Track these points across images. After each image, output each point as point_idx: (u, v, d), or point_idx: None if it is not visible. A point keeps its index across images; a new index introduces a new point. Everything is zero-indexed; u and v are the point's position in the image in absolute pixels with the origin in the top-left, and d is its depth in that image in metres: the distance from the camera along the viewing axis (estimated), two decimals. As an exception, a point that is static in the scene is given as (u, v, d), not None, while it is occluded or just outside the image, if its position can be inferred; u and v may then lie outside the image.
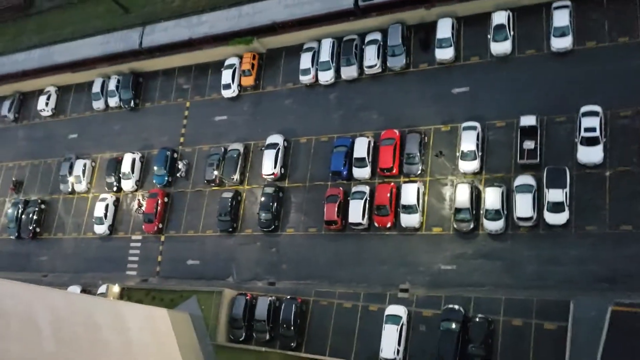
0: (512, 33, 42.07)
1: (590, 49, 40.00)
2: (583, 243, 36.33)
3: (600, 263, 35.56)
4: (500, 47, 41.96)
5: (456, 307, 37.51)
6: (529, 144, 38.62)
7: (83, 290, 49.44)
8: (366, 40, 46.61)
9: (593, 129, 36.81)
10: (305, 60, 48.16)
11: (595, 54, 39.73)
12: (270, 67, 51.39)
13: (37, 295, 32.42)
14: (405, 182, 41.85)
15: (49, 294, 34.41)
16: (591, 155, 36.88)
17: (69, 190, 55.63)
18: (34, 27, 66.69)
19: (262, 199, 45.73)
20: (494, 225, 38.24)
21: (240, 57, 51.79)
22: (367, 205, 41.99)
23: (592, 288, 35.11)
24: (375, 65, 45.66)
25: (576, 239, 36.55)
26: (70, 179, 55.38)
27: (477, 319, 36.56)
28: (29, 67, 61.55)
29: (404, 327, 38.27)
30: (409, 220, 40.67)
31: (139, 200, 52.28)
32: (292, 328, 41.13)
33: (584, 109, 37.69)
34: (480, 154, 40.26)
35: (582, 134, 37.00)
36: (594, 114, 37.30)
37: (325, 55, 47.49)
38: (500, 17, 42.22)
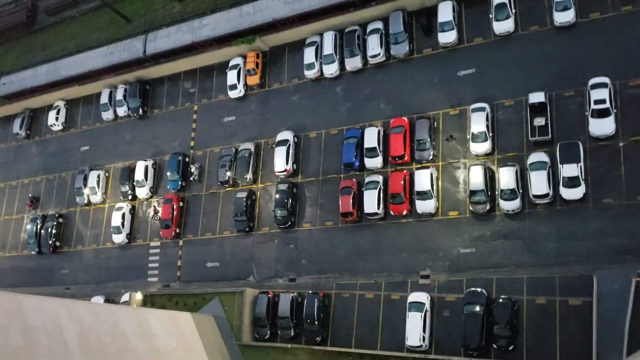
0: (513, 11, 41.72)
1: (594, 20, 39.60)
2: (602, 216, 36.11)
3: (620, 235, 35.33)
4: (503, 26, 41.65)
5: (478, 289, 37.45)
6: (539, 121, 38.38)
7: (106, 300, 50.00)
8: (368, 30, 46.46)
9: (603, 101, 36.50)
10: (309, 55, 48.15)
11: (599, 25, 39.34)
12: (274, 65, 51.47)
13: (62, 309, 32.71)
14: (417, 168, 41.79)
15: (74, 306, 34.69)
16: (603, 127, 36.59)
17: (85, 202, 56.20)
18: (39, 43, 67.43)
19: (277, 196, 45.89)
20: (511, 205, 38.10)
21: (244, 57, 51.89)
22: (381, 195, 42.01)
23: (615, 260, 34.91)
24: (379, 54, 45.55)
25: (594, 213, 36.33)
26: (86, 191, 55.96)
27: (501, 300, 36.48)
28: (37, 84, 62.23)
29: (428, 314, 38.29)
30: (424, 206, 40.63)
31: (154, 206, 52.68)
32: (316, 323, 41.32)
33: (592, 81, 37.39)
34: (491, 134, 40.07)
35: (593, 106, 36.72)
36: (602, 85, 36.99)
37: (328, 48, 47.47)
38: (501, -4, 41.90)
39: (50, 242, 56.16)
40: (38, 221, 57.55)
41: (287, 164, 46.35)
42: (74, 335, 31.88)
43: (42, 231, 56.79)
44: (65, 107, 61.97)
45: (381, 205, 41.91)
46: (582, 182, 36.34)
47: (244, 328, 43.37)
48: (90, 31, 63.09)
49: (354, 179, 43.84)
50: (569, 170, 36.45)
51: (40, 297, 32.61)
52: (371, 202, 41.82)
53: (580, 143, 36.95)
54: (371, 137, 43.36)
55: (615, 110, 36.68)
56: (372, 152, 43.28)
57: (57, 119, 61.17)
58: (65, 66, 60.66)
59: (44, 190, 60.29)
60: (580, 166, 36.43)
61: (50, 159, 61.32)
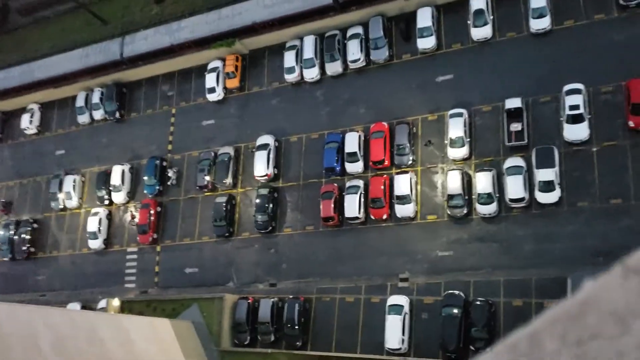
0: (491, 17, 42.40)
1: (568, 27, 40.49)
2: (576, 219, 36.90)
3: (594, 238, 36.13)
4: (481, 32, 42.27)
5: (456, 292, 37.87)
6: (515, 126, 39.05)
7: (83, 307, 49.11)
8: (348, 35, 46.68)
9: (577, 107, 37.31)
10: (289, 59, 48.15)
11: (573, 32, 40.23)
12: (254, 68, 51.32)
13: (37, 316, 32.15)
14: (397, 173, 42.11)
15: (49, 312, 34.21)
16: (577, 132, 37.39)
17: (60, 207, 55.10)
18: (11, 44, 65.87)
19: (257, 200, 45.72)
20: (487, 209, 38.65)
21: (223, 60, 51.56)
22: (362, 199, 42.24)
23: (589, 262, 35.61)
24: (359, 59, 45.80)
25: (569, 216, 37.10)
26: (61, 196, 54.88)
27: (478, 302, 36.93)
28: (10, 86, 60.86)
29: (407, 316, 38.58)
30: (403, 210, 40.98)
31: (131, 212, 52.02)
32: (296, 327, 41.28)
33: (567, 87, 38.12)
34: (468, 139, 40.60)
35: (567, 112, 37.48)
36: (577, 91, 37.78)
37: (308, 52, 47.54)
38: (478, 3, 42.38)
39: (25, 248, 54.93)
40: (11, 227, 56.25)
41: (267, 168, 46.21)
42: (49, 343, 31.31)
43: (16, 237, 55.53)
44: (40, 110, 60.70)
45: (362, 210, 42.15)
46: (557, 187, 37.05)
47: (224, 334, 43.08)
48: (65, 33, 61.97)
49: (335, 184, 43.96)
50: (544, 174, 37.15)
51: (13, 304, 32.08)
52: (352, 206, 42.01)
53: (555, 148, 37.69)
54: (352, 142, 43.56)
55: (589, 116, 37.55)
56: (352, 156, 43.48)
57: (31, 122, 59.89)
58: (39, 68, 59.47)
59: (17, 195, 59.01)
60: (556, 171, 37.14)
61: (25, 162, 60.04)
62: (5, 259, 56.36)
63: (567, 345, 1.38)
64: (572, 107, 37.39)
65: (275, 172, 46.86)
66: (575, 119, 37.35)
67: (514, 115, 39.10)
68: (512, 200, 37.94)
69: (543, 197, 37.31)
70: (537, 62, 40.63)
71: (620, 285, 1.43)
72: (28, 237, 55.23)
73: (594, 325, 1.39)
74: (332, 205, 42.64)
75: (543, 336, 1.38)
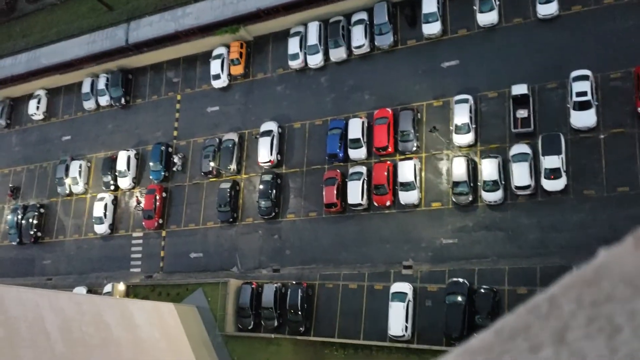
0: (497, 2, 41.81)
1: (576, 12, 39.85)
2: (582, 207, 36.56)
3: (600, 226, 35.77)
4: (487, 18, 41.74)
5: (460, 280, 37.74)
6: (522, 113, 38.62)
7: (89, 291, 49.63)
8: (352, 21, 46.27)
9: (584, 93, 36.81)
10: (293, 45, 47.88)
11: (581, 17, 39.60)
12: (258, 55, 51.12)
13: (44, 299, 32.60)
14: (401, 159, 41.89)
15: (56, 296, 34.57)
16: (584, 119, 36.93)
17: (67, 192, 55.48)
18: (19, 31, 66.14)
19: (261, 186, 45.73)
20: (493, 196, 38.39)
21: (228, 47, 51.42)
22: (365, 186, 42.10)
23: (594, 252, 35.07)
24: (364, 45, 45.43)
25: (575, 204, 36.76)
26: (67, 181, 55.23)
27: (482, 290, 36.83)
28: (17, 72, 61.00)
29: (410, 304, 38.53)
30: (407, 197, 40.80)
31: (136, 197, 52.26)
32: (299, 313, 41.42)
33: (574, 73, 37.61)
34: (474, 126, 40.24)
35: (574, 98, 37.00)
36: (584, 78, 37.27)
37: (312, 38, 47.23)
38: (485, -12, 41.98)
39: (32, 232, 55.44)
40: (19, 211, 56.73)
41: (271, 154, 46.17)
42: (55, 326, 31.74)
43: (23, 221, 56.03)
44: (46, 96, 61.00)
45: (365, 196, 42.00)
46: (564, 174, 36.71)
47: (228, 318, 43.38)
48: (71, 19, 62.04)
49: (338, 170, 43.84)
50: (550, 161, 36.78)
51: (21, 288, 32.42)
52: (355, 193, 41.87)
53: (562, 135, 37.26)
54: (355, 128, 43.34)
55: (596, 103, 37.03)
56: (356, 143, 43.29)
57: (38, 108, 60.20)
58: (46, 54, 59.57)
59: (24, 180, 59.45)
60: (562, 158, 36.75)
61: (31, 148, 60.44)
62: (13, 243, 56.95)
63: (583, 307, 1.51)
64: (580, 94, 36.90)
65: (279, 158, 46.81)
66: (583, 106, 36.86)
67: (520, 101, 38.66)
68: (517, 187, 37.63)
69: (549, 185, 36.97)
70: (544, 48, 40.08)
71: (631, 253, 1.55)
72: (35, 221, 55.72)
73: (608, 289, 1.51)
74: (335, 192, 42.52)
75: (561, 299, 1.57)
